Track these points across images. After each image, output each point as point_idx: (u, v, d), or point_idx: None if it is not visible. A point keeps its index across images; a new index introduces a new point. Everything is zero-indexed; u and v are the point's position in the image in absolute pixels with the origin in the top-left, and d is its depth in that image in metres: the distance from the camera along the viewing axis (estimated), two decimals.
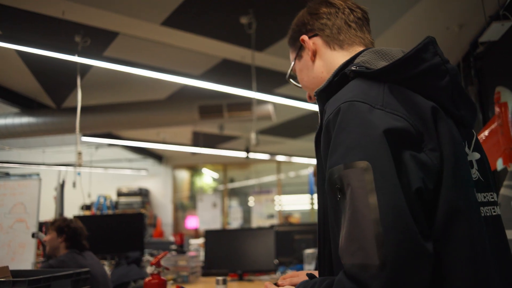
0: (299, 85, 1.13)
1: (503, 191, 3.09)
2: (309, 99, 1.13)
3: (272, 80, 4.94)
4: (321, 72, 1.03)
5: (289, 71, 1.13)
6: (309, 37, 1.04)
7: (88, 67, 4.42)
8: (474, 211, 0.79)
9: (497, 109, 3.17)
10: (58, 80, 4.92)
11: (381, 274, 0.66)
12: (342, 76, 0.89)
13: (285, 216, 10.36)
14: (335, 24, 1.02)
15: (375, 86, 0.82)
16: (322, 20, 1.03)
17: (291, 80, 1.16)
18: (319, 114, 0.92)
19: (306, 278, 1.03)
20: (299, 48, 1.07)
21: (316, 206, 1.15)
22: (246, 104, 4.98)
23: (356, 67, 0.87)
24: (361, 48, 1.01)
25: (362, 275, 0.67)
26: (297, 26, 1.08)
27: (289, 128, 7.44)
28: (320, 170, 0.92)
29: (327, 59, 1.02)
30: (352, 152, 0.74)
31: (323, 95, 0.90)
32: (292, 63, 1.12)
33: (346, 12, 1.02)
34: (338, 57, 1.01)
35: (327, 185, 0.78)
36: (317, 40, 1.04)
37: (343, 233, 0.72)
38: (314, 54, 1.04)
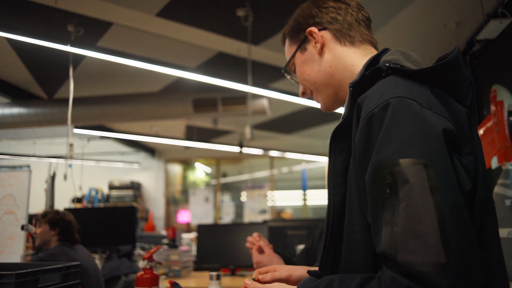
0: (295, 79, 1.12)
1: (497, 189, 3.09)
2: (301, 95, 1.11)
3: (268, 75, 4.90)
4: (329, 66, 1.01)
5: (287, 62, 1.10)
6: (318, 30, 1.03)
7: (81, 57, 4.36)
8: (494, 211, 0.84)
9: (492, 108, 3.17)
10: (50, 71, 4.85)
11: (449, 271, 0.65)
12: (374, 71, 0.87)
13: (278, 211, 10.36)
14: (346, 19, 1.02)
15: (415, 85, 0.81)
16: (331, 14, 1.02)
17: (286, 73, 1.13)
18: (346, 107, 0.88)
19: (286, 272, 1.01)
20: (303, 40, 1.05)
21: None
22: (241, 98, 4.95)
23: (390, 64, 0.85)
24: (371, 47, 1.02)
25: (427, 273, 0.65)
26: (303, 18, 1.06)
27: (283, 124, 7.41)
28: (332, 166, 0.90)
29: (337, 54, 1.01)
30: (409, 148, 0.72)
31: (357, 88, 0.87)
32: (289, 55, 1.09)
33: (356, 9, 1.03)
34: (349, 53, 1.01)
35: (371, 179, 0.75)
36: (326, 34, 1.02)
37: (397, 230, 0.69)
38: (322, 48, 1.02)
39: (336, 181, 0.89)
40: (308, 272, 0.92)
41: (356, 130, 0.82)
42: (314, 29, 1.02)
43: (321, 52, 1.02)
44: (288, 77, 1.15)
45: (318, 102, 1.09)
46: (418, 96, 0.77)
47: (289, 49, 1.10)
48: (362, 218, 0.81)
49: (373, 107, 0.77)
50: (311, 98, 1.11)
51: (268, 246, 1.83)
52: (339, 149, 0.89)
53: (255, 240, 1.86)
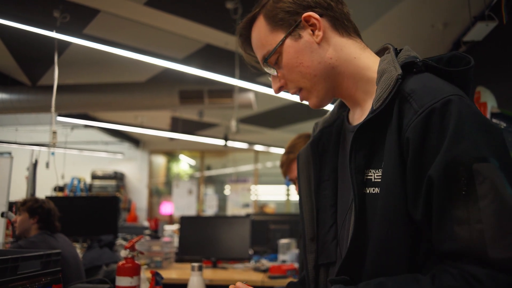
0: (272, 70, 0.96)
1: None
2: (278, 90, 0.98)
3: (255, 68, 4.88)
4: (330, 58, 0.91)
5: (273, 50, 0.93)
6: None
7: (67, 44, 4.28)
8: None
9: None
10: (34, 56, 4.77)
11: None
12: (407, 65, 0.84)
13: (261, 205, 10.39)
14: (338, 8, 0.93)
15: (451, 85, 0.80)
16: None
17: (266, 65, 0.96)
18: (383, 100, 0.82)
19: None
20: (295, 26, 0.92)
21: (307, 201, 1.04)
22: (227, 91, 4.93)
23: (420, 61, 0.84)
24: (362, 42, 0.96)
25: None
26: (294, 1, 0.93)
27: (269, 118, 7.42)
28: (354, 162, 0.85)
29: (337, 44, 0.92)
30: (484, 145, 0.72)
31: (400, 80, 0.82)
32: (272, 42, 0.93)
33: (342, 1, 0.96)
34: (349, 45, 0.93)
35: (442, 175, 0.72)
36: (323, 21, 0.92)
37: (481, 227, 0.68)
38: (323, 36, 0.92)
39: (358, 178, 0.84)
40: (330, 280, 0.85)
41: (397, 124, 0.79)
42: (314, 14, 0.90)
43: (320, 41, 0.91)
44: (267, 69, 0.98)
45: (307, 98, 0.97)
46: (465, 96, 0.78)
47: (270, 35, 0.94)
48: (404, 216, 0.77)
49: (432, 102, 0.75)
50: (295, 93, 0.98)
51: None
52: (361, 145, 0.85)
53: None
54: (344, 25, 0.93)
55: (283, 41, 0.92)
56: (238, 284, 0.92)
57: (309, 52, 0.91)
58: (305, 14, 0.91)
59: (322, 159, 1.04)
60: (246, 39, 1.02)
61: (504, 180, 0.69)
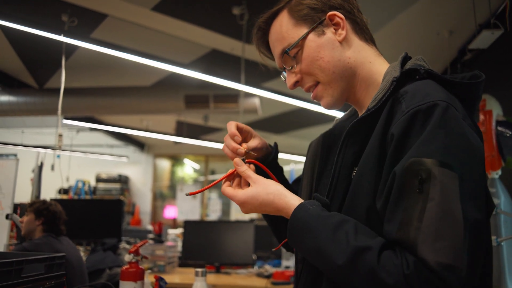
0: (290, 63, 0.97)
1: None
2: (293, 86, 0.99)
3: (261, 74, 4.90)
4: (349, 57, 0.94)
5: (296, 41, 0.94)
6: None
7: (74, 48, 4.32)
8: None
9: (481, 117, 3.20)
10: (41, 60, 4.80)
11: (464, 278, 0.68)
12: (410, 71, 0.87)
13: None
14: (358, 15, 0.97)
15: (451, 95, 0.82)
16: (350, 3, 0.96)
17: (286, 55, 0.96)
18: (378, 100, 0.85)
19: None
20: (320, 23, 0.94)
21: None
22: (232, 96, 4.94)
23: (426, 69, 0.86)
24: (377, 50, 0.99)
25: (448, 275, 0.68)
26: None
27: (274, 124, 7.42)
28: (341, 158, 0.88)
29: (356, 47, 0.95)
30: (451, 154, 0.73)
31: (397, 83, 0.85)
32: (295, 35, 0.95)
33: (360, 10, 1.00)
34: (366, 49, 0.96)
35: (403, 170, 0.74)
36: (346, 23, 0.95)
37: (420, 226, 0.71)
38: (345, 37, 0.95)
39: (341, 173, 0.88)
40: (315, 196, 0.89)
41: (384, 122, 0.81)
42: (339, 14, 0.93)
43: (342, 40, 0.94)
44: (283, 63, 0.99)
45: (322, 95, 0.97)
46: (457, 107, 0.79)
47: (293, 28, 0.96)
48: (364, 210, 0.81)
49: (419, 104, 0.77)
50: (310, 90, 0.99)
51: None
52: (352, 142, 0.87)
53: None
54: (363, 31, 0.97)
55: (307, 34, 0.94)
56: (236, 160, 1.00)
57: (330, 48, 0.94)
58: (331, 12, 0.93)
59: (329, 151, 1.06)
60: (263, 35, 1.05)
61: (459, 192, 0.71)
